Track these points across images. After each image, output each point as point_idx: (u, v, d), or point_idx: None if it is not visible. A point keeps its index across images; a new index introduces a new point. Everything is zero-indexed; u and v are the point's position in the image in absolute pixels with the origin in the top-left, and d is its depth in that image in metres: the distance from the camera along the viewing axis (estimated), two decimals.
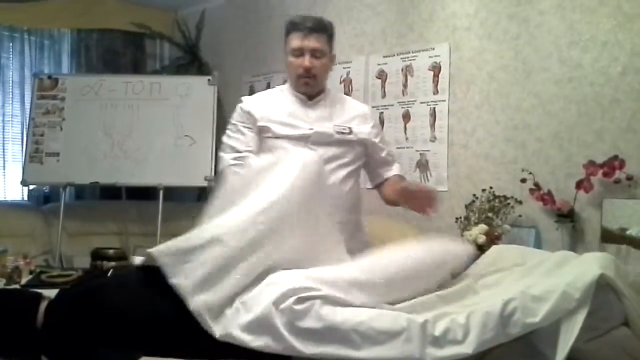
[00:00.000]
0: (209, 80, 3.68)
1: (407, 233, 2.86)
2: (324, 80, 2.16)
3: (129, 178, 3.54)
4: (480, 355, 1.34)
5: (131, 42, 4.48)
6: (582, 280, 1.37)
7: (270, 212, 1.53)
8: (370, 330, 1.33)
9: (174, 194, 3.82)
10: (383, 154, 2.20)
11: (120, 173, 3.51)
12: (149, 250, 1.48)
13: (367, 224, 2.25)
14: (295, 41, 2.05)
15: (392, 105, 3.29)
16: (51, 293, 1.58)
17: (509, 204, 2.68)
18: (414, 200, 1.94)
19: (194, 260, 1.45)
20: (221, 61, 4.19)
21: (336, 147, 2.08)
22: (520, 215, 2.69)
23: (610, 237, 2.38)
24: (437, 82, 3.10)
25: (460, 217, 2.78)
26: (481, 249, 2.50)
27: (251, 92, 3.96)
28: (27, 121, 3.68)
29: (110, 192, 3.90)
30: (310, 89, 2.12)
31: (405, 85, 3.25)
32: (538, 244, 2.62)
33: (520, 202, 2.67)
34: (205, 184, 3.52)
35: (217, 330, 1.40)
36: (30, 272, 2.61)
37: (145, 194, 3.82)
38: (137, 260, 1.59)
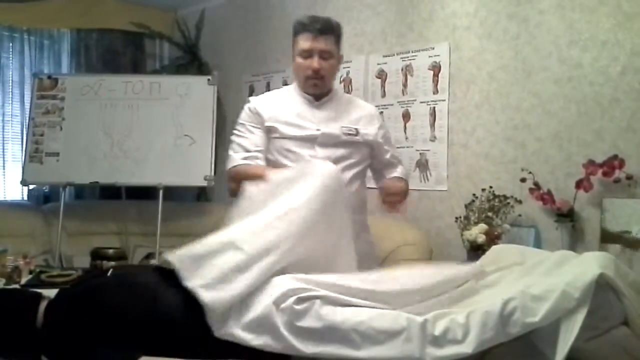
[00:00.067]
0: (208, 80, 3.67)
1: (407, 233, 2.87)
2: (331, 81, 2.17)
3: (128, 178, 3.53)
4: (480, 354, 1.35)
5: (131, 42, 4.48)
6: (582, 279, 1.37)
7: (288, 217, 1.54)
8: (370, 329, 1.33)
9: (173, 193, 3.82)
10: (387, 156, 2.21)
11: (120, 173, 3.50)
12: (166, 256, 1.49)
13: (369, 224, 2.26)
14: (304, 42, 2.05)
15: (392, 104, 3.29)
16: (51, 293, 1.59)
17: (508, 203, 2.68)
18: (387, 200, 2.05)
19: (208, 264, 1.46)
20: (221, 61, 4.18)
21: (343, 148, 2.09)
22: (520, 215, 2.69)
23: (609, 237, 2.38)
24: (437, 81, 3.10)
25: (460, 217, 2.78)
26: (481, 248, 2.51)
27: (251, 92, 3.97)
28: (27, 121, 3.68)
29: (110, 192, 3.89)
30: (319, 90, 2.13)
31: (405, 85, 3.24)
32: (538, 244, 2.62)
33: (520, 202, 2.67)
34: (205, 183, 3.52)
35: (219, 328, 1.40)
36: (30, 272, 2.61)
37: (145, 193, 3.81)
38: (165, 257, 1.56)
